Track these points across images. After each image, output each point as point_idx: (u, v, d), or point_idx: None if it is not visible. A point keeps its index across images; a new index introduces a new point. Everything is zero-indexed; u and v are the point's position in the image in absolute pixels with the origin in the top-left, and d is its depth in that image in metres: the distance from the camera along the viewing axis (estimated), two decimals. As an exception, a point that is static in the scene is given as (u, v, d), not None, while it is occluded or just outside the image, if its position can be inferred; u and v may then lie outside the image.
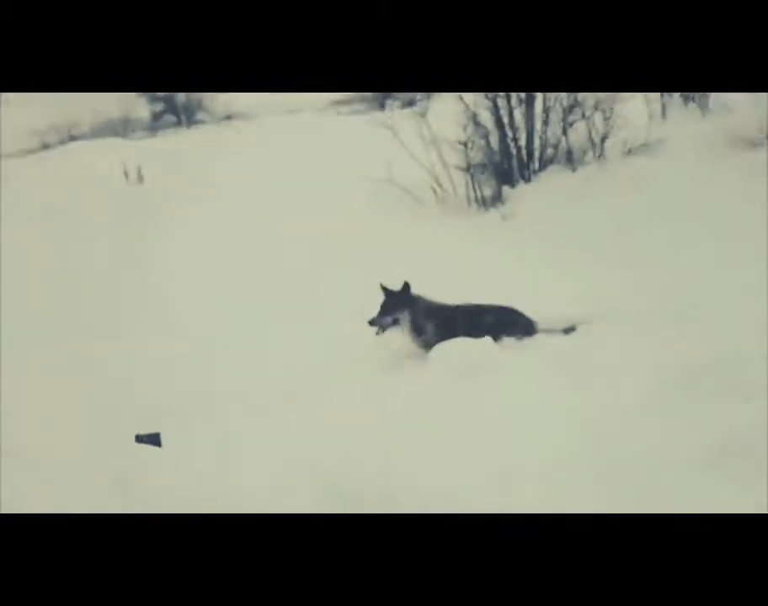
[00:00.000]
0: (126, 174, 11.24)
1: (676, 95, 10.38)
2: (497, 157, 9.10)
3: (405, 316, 6.36)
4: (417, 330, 6.37)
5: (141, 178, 11.21)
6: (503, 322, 6.15)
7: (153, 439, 4.42)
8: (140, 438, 4.46)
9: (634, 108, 9.39)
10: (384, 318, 6.37)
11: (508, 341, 5.98)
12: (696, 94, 10.22)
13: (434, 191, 9.17)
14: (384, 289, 6.42)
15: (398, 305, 6.37)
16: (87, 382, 6.46)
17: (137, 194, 10.75)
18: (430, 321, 6.33)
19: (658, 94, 10.12)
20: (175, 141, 12.69)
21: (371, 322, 6.35)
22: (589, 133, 9.06)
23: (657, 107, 10.28)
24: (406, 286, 6.39)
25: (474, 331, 5.98)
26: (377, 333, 6.37)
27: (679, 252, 6.99)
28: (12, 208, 10.10)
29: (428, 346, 6.14)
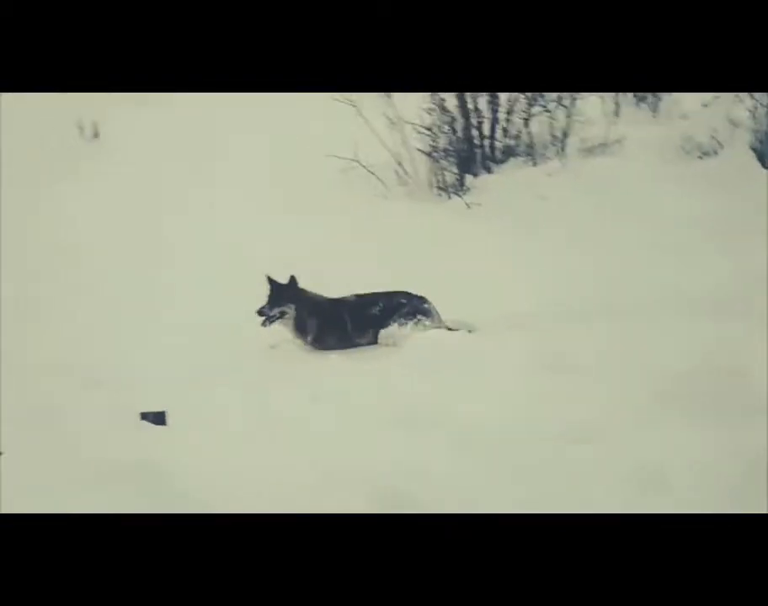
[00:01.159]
0: (81, 129, 10.97)
1: (630, 95, 10.68)
2: (460, 145, 9.28)
3: (291, 310, 6.34)
4: (300, 327, 6.38)
5: (96, 134, 10.97)
6: (391, 309, 6.31)
7: (158, 418, 4.46)
8: (145, 416, 4.49)
9: (591, 105, 9.65)
10: (272, 309, 6.31)
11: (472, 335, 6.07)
12: (648, 95, 10.57)
13: (397, 173, 9.29)
14: (270, 280, 6.36)
15: (285, 298, 6.33)
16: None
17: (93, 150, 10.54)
18: (315, 317, 6.36)
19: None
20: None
21: (260, 312, 6.28)
22: (551, 127, 9.30)
23: (611, 105, 10.55)
24: (292, 280, 6.38)
25: (363, 323, 6.31)
26: (263, 324, 6.30)
27: (640, 251, 7.34)
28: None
29: (313, 344, 6.33)
